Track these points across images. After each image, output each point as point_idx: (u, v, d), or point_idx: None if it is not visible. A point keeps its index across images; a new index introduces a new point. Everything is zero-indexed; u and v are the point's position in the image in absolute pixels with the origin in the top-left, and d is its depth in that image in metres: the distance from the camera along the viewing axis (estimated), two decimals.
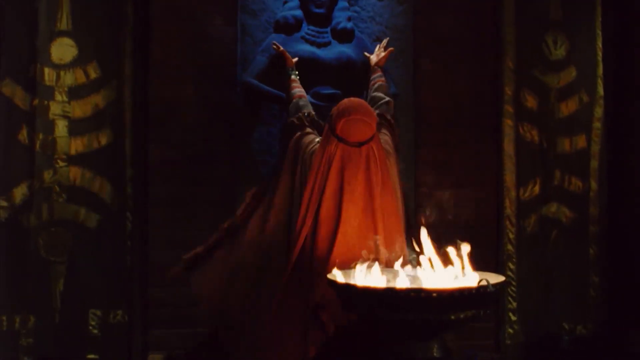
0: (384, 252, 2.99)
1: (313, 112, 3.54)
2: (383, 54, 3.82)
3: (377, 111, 3.47)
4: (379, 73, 3.77)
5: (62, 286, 3.78)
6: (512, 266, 4.03)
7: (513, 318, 4.02)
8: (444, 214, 3.92)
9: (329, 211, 3.14)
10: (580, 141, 4.15)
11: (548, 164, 4.12)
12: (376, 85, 3.71)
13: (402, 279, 2.75)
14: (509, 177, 4.06)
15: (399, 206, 3.31)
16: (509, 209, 4.04)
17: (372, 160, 3.18)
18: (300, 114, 3.50)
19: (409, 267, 2.94)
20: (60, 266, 3.79)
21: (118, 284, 3.81)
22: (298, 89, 3.64)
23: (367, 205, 3.14)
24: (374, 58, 3.82)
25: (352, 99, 3.30)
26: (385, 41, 3.89)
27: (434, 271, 2.78)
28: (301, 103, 3.56)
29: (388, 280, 2.80)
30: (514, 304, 4.02)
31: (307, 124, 3.47)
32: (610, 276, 4.12)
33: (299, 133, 3.44)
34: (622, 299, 4.12)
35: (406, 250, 3.10)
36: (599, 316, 4.09)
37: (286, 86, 3.69)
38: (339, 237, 3.10)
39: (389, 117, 3.54)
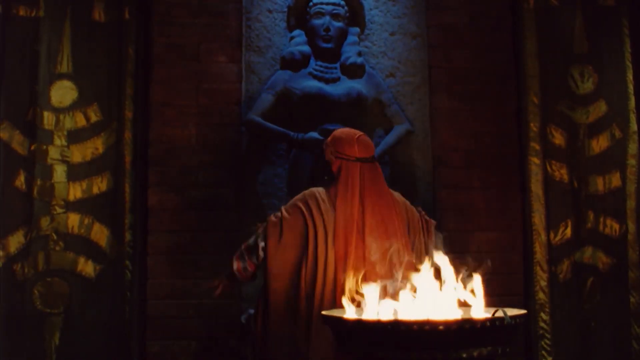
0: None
1: None
2: None
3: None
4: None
5: (57, 340, 3.59)
6: (545, 317, 3.69)
7: None
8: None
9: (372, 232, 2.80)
10: (615, 180, 3.85)
11: (580, 205, 3.82)
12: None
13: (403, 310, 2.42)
14: (538, 220, 3.76)
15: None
16: (540, 253, 3.74)
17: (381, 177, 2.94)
18: None
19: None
20: (56, 318, 3.60)
21: (116, 337, 3.60)
22: None
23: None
24: None
25: (341, 129, 3.05)
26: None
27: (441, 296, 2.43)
28: None
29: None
30: (549, 359, 3.65)
31: None
32: None
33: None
34: None
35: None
36: None
37: None
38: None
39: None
